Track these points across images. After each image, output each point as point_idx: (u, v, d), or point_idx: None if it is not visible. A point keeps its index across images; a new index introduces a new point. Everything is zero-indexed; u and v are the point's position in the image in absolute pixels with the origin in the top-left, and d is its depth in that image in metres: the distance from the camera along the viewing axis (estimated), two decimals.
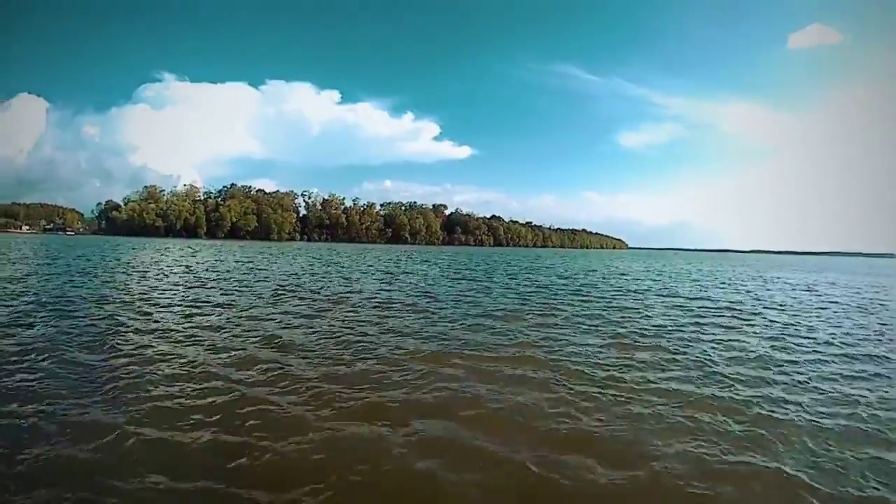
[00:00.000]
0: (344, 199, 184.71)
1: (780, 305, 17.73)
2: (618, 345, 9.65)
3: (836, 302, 19.75)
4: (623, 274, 34.61)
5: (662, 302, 17.37)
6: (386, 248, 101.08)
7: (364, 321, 11.36)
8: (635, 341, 10.00)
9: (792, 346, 10.14)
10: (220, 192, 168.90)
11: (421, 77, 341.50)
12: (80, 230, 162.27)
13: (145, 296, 14.47)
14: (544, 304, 15.68)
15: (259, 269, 26.68)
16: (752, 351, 9.54)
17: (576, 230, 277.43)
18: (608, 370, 7.79)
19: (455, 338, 9.80)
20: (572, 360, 8.22)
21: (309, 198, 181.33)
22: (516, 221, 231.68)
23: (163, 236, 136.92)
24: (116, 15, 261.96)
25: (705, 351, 9.36)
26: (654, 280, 28.82)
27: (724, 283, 28.72)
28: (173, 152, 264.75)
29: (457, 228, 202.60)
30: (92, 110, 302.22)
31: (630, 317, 13.49)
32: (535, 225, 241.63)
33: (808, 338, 11.10)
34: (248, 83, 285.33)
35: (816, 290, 25.44)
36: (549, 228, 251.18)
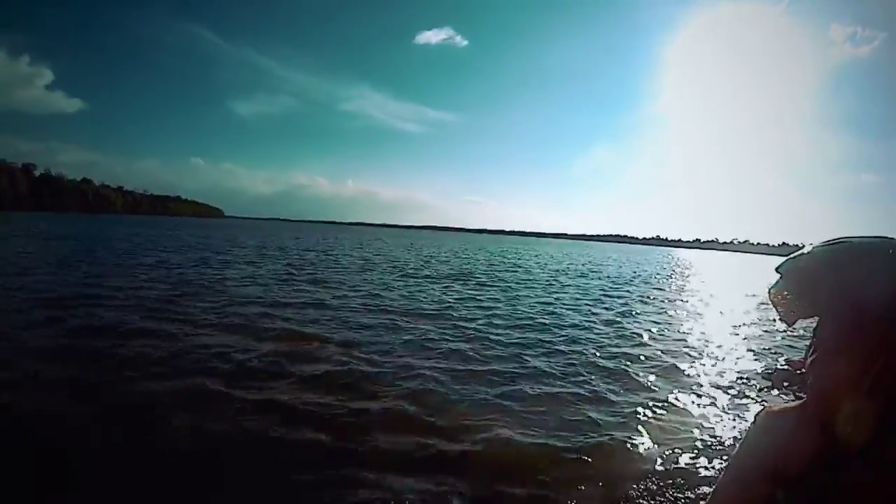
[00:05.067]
0: None
1: None
2: None
3: None
4: None
5: None
6: None
7: None
8: None
9: None
10: None
11: (42, 13, 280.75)
12: None
13: None
14: None
15: None
16: None
17: (170, 197, 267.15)
18: None
19: None
20: None
21: None
22: (107, 185, 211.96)
23: None
24: None
25: None
26: None
27: None
28: None
29: (45, 191, 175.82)
30: None
31: None
32: (127, 190, 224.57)
33: None
34: None
35: None
36: (143, 194, 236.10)
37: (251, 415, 4.39)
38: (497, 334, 8.43)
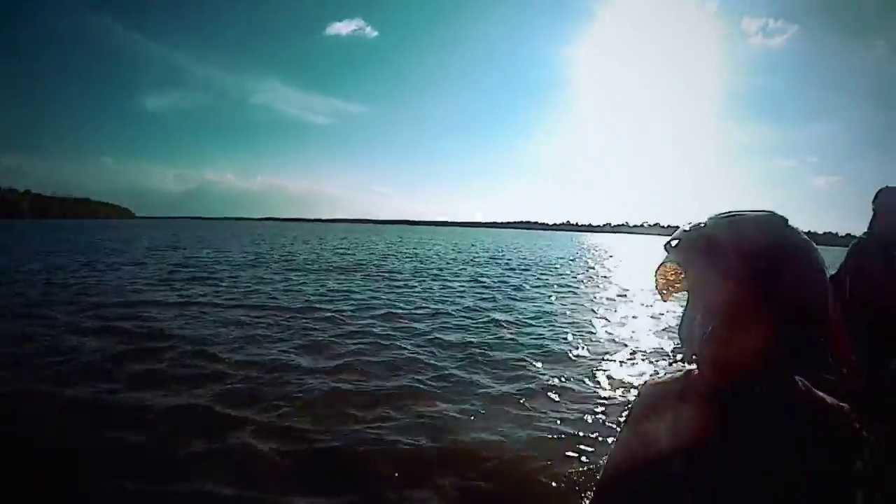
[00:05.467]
0: None
1: None
2: None
3: None
4: None
5: None
6: None
7: None
8: None
9: None
10: None
11: None
12: None
13: None
14: None
15: None
16: None
17: (79, 199, 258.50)
18: None
19: None
20: None
21: None
22: (14, 189, 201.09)
23: None
24: None
25: None
26: None
27: None
28: None
29: None
30: None
31: None
32: (35, 194, 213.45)
33: None
34: None
35: None
36: (51, 198, 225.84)
37: (70, 415, 4.69)
38: (355, 327, 8.81)
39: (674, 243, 0.86)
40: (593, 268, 26.88)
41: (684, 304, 0.88)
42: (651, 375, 1.01)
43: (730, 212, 0.85)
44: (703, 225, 0.85)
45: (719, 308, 0.79)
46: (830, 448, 0.76)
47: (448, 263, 24.75)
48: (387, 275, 17.97)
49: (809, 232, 0.87)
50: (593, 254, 44.93)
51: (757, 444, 0.78)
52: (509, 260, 28.81)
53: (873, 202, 2.97)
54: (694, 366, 0.88)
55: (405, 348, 7.58)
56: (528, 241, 70.29)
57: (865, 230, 3.05)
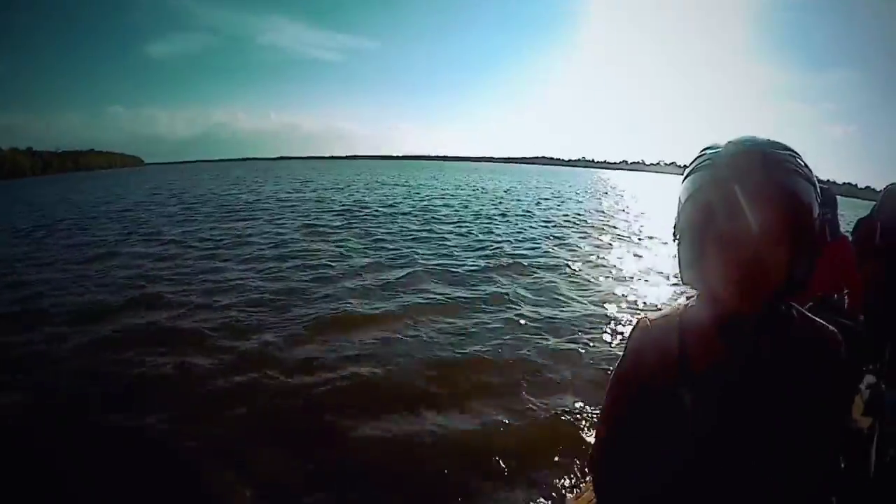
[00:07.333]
0: None
1: None
2: None
3: None
4: None
5: None
6: None
7: None
8: None
9: None
10: None
11: None
12: None
13: None
14: None
15: None
16: None
17: (81, 151, 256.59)
18: None
19: None
20: None
21: None
22: (16, 149, 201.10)
23: None
24: None
25: None
26: None
27: None
28: None
29: None
30: None
31: None
32: (36, 151, 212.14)
33: None
34: None
35: None
36: (52, 153, 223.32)
37: None
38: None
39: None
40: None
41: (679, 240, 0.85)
42: (643, 314, 0.95)
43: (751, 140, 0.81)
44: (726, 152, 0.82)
45: (761, 239, 0.74)
46: (834, 368, 0.82)
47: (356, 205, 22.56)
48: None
49: (829, 181, 0.77)
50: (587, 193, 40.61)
51: (766, 364, 0.80)
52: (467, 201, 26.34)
53: None
54: (692, 299, 0.90)
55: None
56: (531, 178, 65.73)
57: None
